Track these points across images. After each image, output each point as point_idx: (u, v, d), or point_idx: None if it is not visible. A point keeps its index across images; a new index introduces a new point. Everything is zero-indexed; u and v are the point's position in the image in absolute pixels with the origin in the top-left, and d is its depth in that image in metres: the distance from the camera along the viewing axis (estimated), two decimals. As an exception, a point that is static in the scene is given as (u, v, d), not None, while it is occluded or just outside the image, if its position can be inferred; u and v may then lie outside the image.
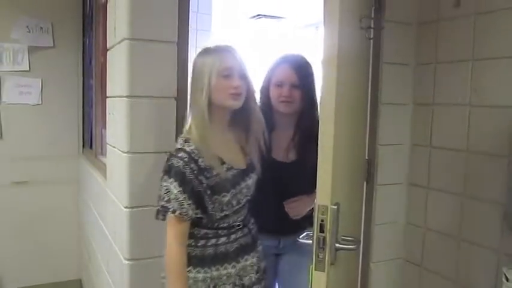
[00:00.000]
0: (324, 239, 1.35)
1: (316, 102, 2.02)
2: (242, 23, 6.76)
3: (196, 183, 1.59)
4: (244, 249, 1.79)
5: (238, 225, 1.78)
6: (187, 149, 1.61)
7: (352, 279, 1.91)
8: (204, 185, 1.61)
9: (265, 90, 2.05)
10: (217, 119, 1.69)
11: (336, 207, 1.36)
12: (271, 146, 1.99)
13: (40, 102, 3.78)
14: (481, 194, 1.99)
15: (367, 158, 2.18)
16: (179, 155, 1.59)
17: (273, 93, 2.02)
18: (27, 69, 3.71)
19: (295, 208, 2.03)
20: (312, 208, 1.81)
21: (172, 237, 1.60)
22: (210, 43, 1.74)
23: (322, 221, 1.34)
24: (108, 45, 2.31)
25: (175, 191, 1.56)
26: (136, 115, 1.88)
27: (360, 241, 1.86)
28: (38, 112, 3.79)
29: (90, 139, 3.55)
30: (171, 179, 1.57)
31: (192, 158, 1.59)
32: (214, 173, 1.62)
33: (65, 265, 3.96)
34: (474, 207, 2.02)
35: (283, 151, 2.07)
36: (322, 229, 1.35)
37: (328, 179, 1.33)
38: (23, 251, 3.80)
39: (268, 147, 1.93)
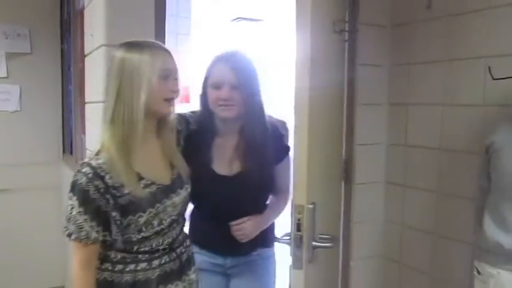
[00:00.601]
0: (301, 237, 1.38)
1: (261, 105, 1.77)
2: (222, 26, 6.78)
3: (102, 203, 1.37)
4: (169, 277, 1.53)
5: (164, 249, 1.52)
6: (94, 163, 1.38)
7: (332, 277, 1.95)
8: (112, 204, 1.38)
9: (203, 94, 1.77)
10: (145, 127, 1.44)
11: (312, 206, 1.39)
12: (211, 157, 1.76)
13: (19, 109, 3.75)
14: (454, 191, 2.05)
15: (344, 157, 2.22)
16: (83, 170, 1.38)
17: (211, 96, 1.72)
18: (5, 75, 3.67)
19: (242, 231, 1.74)
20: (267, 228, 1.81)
21: (76, 261, 1.41)
22: (139, 40, 1.51)
23: (299, 220, 1.38)
24: (86, 51, 2.31)
25: (74, 212, 1.36)
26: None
27: (337, 239, 1.90)
28: (17, 119, 3.76)
29: (71, 145, 3.53)
30: (74, 197, 1.37)
31: (97, 175, 1.36)
32: (126, 191, 1.39)
33: (47, 272, 3.93)
34: (449, 204, 2.08)
35: (226, 163, 1.76)
36: (299, 228, 1.38)
37: (303, 179, 1.37)
38: (4, 259, 3.76)
39: (208, 158, 1.75)
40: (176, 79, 1.49)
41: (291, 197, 1.70)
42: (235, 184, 1.73)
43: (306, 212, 1.37)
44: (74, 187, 1.38)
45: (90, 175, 1.36)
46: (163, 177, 1.52)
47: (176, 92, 1.49)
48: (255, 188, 1.73)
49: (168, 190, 1.51)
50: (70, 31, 3.34)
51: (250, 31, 6.87)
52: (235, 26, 6.73)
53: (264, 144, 1.69)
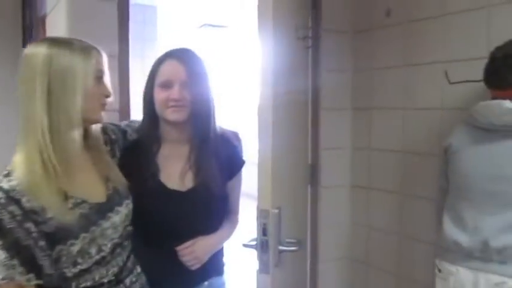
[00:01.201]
0: (267, 242, 1.40)
1: (213, 109, 1.54)
2: (189, 33, 6.79)
3: (21, 235, 1.10)
4: None
5: (110, 281, 1.27)
6: (6, 185, 1.11)
7: (299, 280, 1.97)
8: (35, 234, 1.11)
9: (148, 96, 1.52)
10: (75, 136, 1.25)
11: (277, 211, 1.41)
12: (158, 169, 1.50)
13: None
14: (417, 192, 2.11)
15: (310, 162, 2.26)
16: None
17: (159, 96, 1.47)
18: (-36, 84, 3.57)
19: (193, 255, 1.48)
20: (218, 251, 1.59)
21: None
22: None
23: (264, 224, 1.39)
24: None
25: None
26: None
27: (303, 243, 1.93)
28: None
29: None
30: None
31: (11, 199, 1.09)
32: (50, 215, 1.13)
33: None
34: (412, 205, 2.14)
35: (177, 176, 1.50)
36: (264, 233, 1.40)
37: (268, 184, 1.38)
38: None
39: (154, 170, 1.49)
40: (107, 81, 1.30)
41: (239, 219, 1.66)
42: (189, 200, 1.49)
43: (271, 217, 1.39)
44: None
45: (2, 200, 1.09)
46: (97, 193, 1.28)
47: (110, 95, 1.30)
48: (210, 205, 1.52)
49: (104, 209, 1.26)
50: (32, 38, 3.29)
51: (215, 37, 6.89)
52: (201, 32, 6.75)
53: (218, 155, 1.52)
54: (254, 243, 1.45)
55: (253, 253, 1.47)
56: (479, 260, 1.55)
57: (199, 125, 1.50)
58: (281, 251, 1.43)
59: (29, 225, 1.11)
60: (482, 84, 1.64)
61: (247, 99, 7.20)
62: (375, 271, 2.35)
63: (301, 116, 1.92)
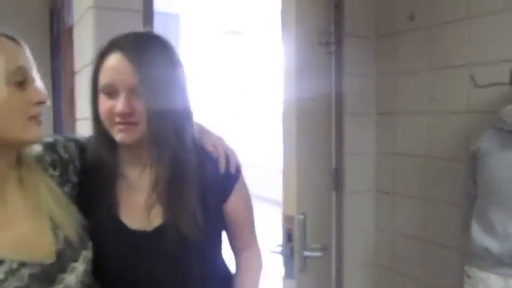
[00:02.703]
0: (292, 248, 1.40)
1: (186, 118, 1.09)
2: (211, 40, 6.85)
3: None
4: None
5: None
6: None
7: (324, 285, 1.97)
8: None
9: (93, 103, 1.08)
10: None
11: (302, 216, 1.41)
12: (117, 203, 1.09)
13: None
14: (442, 197, 2.08)
15: (334, 167, 2.25)
16: None
17: (102, 107, 1.04)
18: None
19: None
20: None
21: None
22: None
23: (289, 230, 1.39)
24: (75, 69, 2.33)
25: None
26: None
27: (328, 248, 1.92)
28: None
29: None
30: None
31: None
32: None
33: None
34: (437, 210, 2.11)
35: (141, 212, 1.08)
36: (290, 238, 1.40)
37: (293, 190, 1.39)
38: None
39: (111, 204, 1.08)
40: (38, 82, 0.92)
41: (262, 250, 1.23)
42: (156, 244, 1.06)
43: (296, 223, 1.39)
44: None
45: None
46: (41, 249, 0.89)
47: (43, 101, 0.91)
48: (188, 249, 1.07)
49: (53, 272, 0.89)
50: (60, 48, 3.37)
51: (238, 44, 6.94)
52: (224, 38, 6.80)
53: (201, 176, 1.10)
54: (280, 249, 1.46)
55: (279, 259, 1.47)
56: (509, 266, 1.52)
57: (162, 147, 1.04)
58: (306, 257, 1.43)
59: None
60: (509, 87, 1.61)
61: (269, 105, 7.22)
62: (399, 277, 2.32)
63: (324, 121, 1.92)
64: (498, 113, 1.61)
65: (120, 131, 1.01)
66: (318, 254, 1.47)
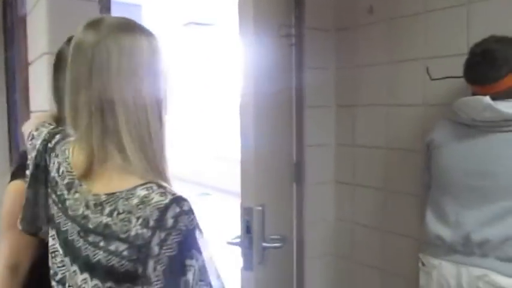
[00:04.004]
0: (251, 239, 1.40)
1: None
2: (174, 31, 6.76)
3: None
4: None
5: None
6: None
7: (284, 277, 1.98)
8: None
9: None
10: None
11: (261, 208, 1.42)
12: None
13: (-39, 120, 3.59)
14: (400, 188, 2.13)
15: (295, 159, 2.27)
16: None
17: None
18: None
19: None
20: None
21: None
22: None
23: (247, 222, 1.39)
24: (29, 60, 2.26)
25: None
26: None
27: (287, 239, 1.93)
28: (-41, 131, 3.60)
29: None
30: None
31: None
32: None
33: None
34: (395, 200, 2.16)
35: None
36: (248, 230, 1.40)
37: (251, 182, 1.39)
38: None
39: None
40: None
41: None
42: None
43: (254, 214, 1.40)
44: None
45: None
46: None
47: None
48: None
49: None
50: (14, 39, 3.25)
51: (201, 35, 6.88)
52: (187, 30, 6.72)
53: None
54: (238, 240, 1.46)
55: (237, 250, 1.47)
56: (461, 253, 1.57)
57: None
58: (265, 248, 1.44)
59: None
60: (463, 80, 1.66)
61: (231, 97, 7.20)
62: (360, 266, 2.36)
63: (285, 114, 1.93)
64: (451, 105, 1.65)
65: None
66: (277, 245, 1.48)
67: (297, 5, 2.22)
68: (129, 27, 0.92)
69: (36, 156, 1.02)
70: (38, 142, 1.04)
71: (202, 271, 0.83)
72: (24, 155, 1.17)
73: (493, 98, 1.49)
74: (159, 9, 5.57)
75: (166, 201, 0.81)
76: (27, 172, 1.05)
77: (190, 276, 0.82)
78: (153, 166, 0.87)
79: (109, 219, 0.82)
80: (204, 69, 7.79)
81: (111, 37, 0.88)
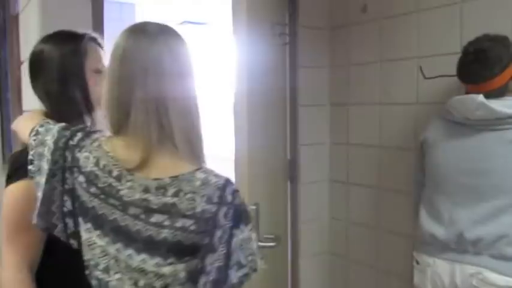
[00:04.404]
0: (245, 238, 1.39)
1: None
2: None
3: None
4: None
5: None
6: None
7: (279, 275, 1.98)
8: None
9: None
10: None
11: (255, 207, 1.41)
12: None
13: (-46, 120, 3.56)
14: (394, 186, 2.13)
15: (289, 158, 2.26)
16: None
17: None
18: None
19: None
20: None
21: None
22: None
23: (241, 221, 1.39)
24: (22, 58, 2.24)
25: None
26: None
27: (282, 238, 1.93)
28: (-49, 130, 3.57)
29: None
30: None
31: None
32: None
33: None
34: (389, 198, 2.16)
35: None
36: (242, 229, 1.39)
37: (244, 181, 1.38)
38: None
39: None
40: None
41: None
42: None
43: (248, 213, 1.39)
44: None
45: None
46: None
47: None
48: None
49: None
50: (6, 37, 3.23)
51: (196, 34, 6.86)
52: (182, 29, 6.71)
53: None
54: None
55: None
56: (455, 251, 1.58)
57: None
58: (259, 248, 1.43)
59: None
60: (456, 78, 1.66)
61: (225, 96, 7.18)
62: (354, 265, 2.37)
63: (278, 113, 1.92)
64: (445, 104, 1.66)
65: None
66: (271, 244, 1.48)
67: (291, 4, 2.21)
68: (172, 32, 1.06)
69: (53, 153, 1.06)
70: (47, 138, 1.08)
71: (244, 244, 0.98)
72: (21, 155, 1.16)
73: (486, 97, 1.50)
74: (153, 8, 5.54)
75: (222, 181, 0.95)
76: (30, 167, 1.09)
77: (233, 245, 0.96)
78: (196, 155, 1.02)
79: (175, 199, 0.93)
80: (199, 67, 7.74)
81: (161, 41, 1.01)
